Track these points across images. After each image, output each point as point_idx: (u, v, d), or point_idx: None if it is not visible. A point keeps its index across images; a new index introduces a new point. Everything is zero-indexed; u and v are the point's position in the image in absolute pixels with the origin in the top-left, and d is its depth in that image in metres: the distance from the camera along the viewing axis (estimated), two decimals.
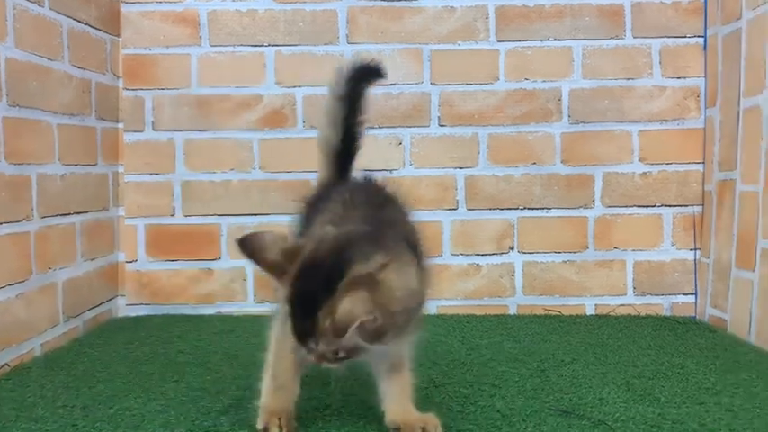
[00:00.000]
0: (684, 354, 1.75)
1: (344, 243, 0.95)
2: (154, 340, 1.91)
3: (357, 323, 0.87)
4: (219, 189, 2.27)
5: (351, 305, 0.87)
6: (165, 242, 2.27)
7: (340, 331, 0.87)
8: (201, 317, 2.21)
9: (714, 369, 1.61)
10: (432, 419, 1.18)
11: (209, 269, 2.28)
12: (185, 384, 1.51)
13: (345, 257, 0.92)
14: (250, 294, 2.27)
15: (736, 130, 2.02)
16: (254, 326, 2.07)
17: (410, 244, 1.08)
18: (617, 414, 1.30)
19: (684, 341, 1.89)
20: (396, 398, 1.20)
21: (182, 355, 1.75)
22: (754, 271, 1.89)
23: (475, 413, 1.32)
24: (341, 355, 0.94)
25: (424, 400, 1.25)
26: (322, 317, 0.89)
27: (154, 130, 2.27)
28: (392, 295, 0.92)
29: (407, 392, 1.21)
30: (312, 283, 0.92)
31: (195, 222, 2.28)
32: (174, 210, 2.28)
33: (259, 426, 1.17)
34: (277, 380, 1.19)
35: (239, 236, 0.98)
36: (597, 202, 2.27)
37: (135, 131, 2.27)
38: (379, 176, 1.34)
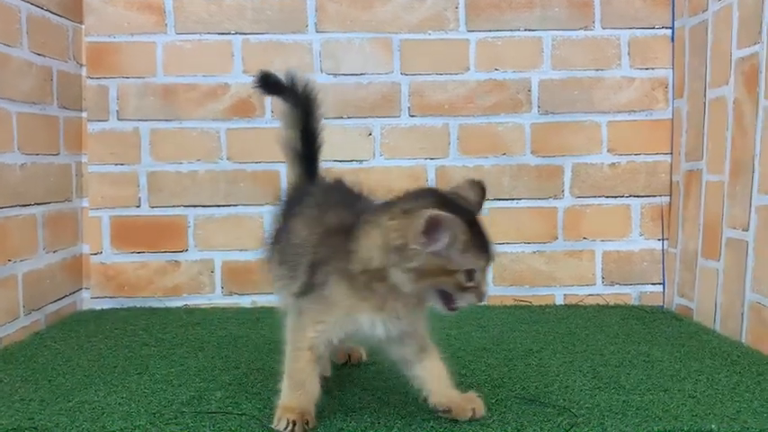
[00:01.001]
0: (651, 342, 1.76)
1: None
2: (118, 333, 1.88)
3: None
4: (186, 180, 2.24)
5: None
6: (130, 234, 2.23)
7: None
8: (168, 310, 2.18)
9: (679, 357, 1.62)
10: (478, 400, 1.20)
11: (175, 261, 2.24)
12: (148, 377, 1.48)
13: None
14: (218, 287, 2.24)
15: (703, 120, 2.04)
16: (222, 318, 2.05)
17: None
18: (582, 401, 1.31)
19: (651, 330, 1.90)
20: (438, 379, 1.21)
21: (146, 348, 1.72)
22: (719, 260, 1.91)
23: None
24: None
25: (389, 390, 1.24)
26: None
27: (118, 119, 2.23)
28: None
29: (446, 374, 1.22)
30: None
31: (161, 214, 2.24)
32: (139, 201, 2.23)
33: (274, 425, 1.14)
34: (293, 378, 1.17)
35: None
36: (566, 193, 2.27)
37: (99, 121, 2.23)
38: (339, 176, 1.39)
